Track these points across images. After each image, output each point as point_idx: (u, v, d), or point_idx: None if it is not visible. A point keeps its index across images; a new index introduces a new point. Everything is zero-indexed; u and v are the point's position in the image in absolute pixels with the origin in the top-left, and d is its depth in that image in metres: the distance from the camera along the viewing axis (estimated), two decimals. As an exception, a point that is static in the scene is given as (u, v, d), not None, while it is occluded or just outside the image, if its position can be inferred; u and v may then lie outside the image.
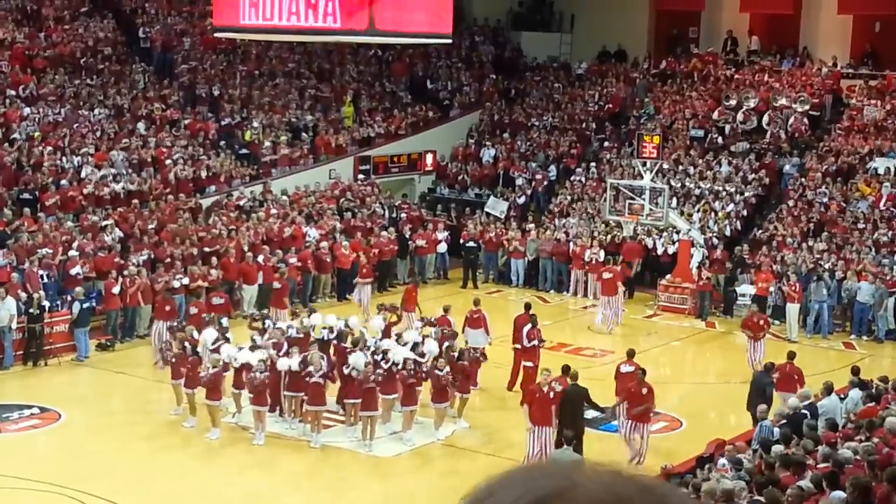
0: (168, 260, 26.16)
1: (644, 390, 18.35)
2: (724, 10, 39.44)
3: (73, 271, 25.00)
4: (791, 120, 34.72)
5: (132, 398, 21.79)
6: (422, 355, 19.57)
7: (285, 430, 19.61)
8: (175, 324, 22.06)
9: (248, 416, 19.63)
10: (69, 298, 24.14)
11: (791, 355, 20.25)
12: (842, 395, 17.47)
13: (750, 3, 37.96)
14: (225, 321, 22.16)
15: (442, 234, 32.13)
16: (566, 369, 18.77)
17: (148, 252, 26.57)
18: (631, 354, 19.79)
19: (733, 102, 35.82)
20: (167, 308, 23.72)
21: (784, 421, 15.95)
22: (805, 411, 16.32)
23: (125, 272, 24.99)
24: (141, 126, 31.61)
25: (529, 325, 21.59)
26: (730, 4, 38.84)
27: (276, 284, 26.23)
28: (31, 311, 23.13)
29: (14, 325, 22.81)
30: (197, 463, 18.62)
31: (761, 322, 23.70)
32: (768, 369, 19.90)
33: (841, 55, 37.24)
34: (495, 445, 19.46)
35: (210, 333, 20.44)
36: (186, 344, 20.24)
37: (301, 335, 20.97)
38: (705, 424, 19.69)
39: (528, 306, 23.02)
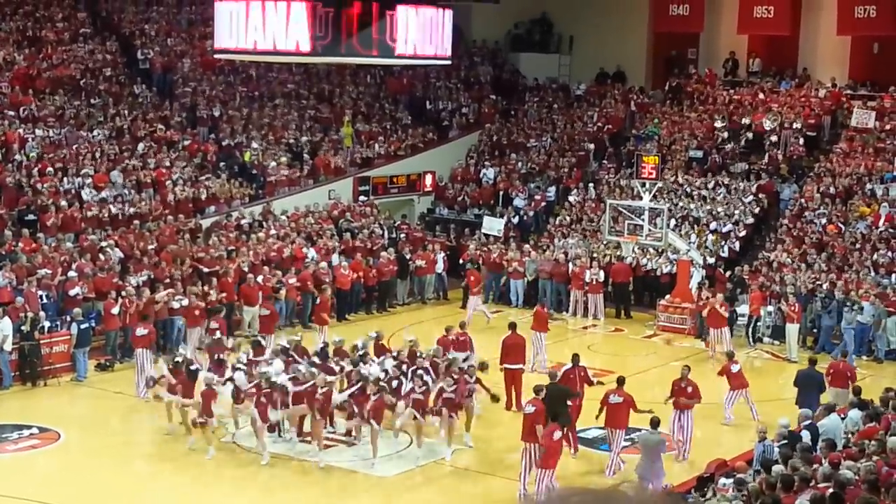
0: (167, 280, 26.16)
1: (689, 388, 19.55)
2: (723, 31, 39.58)
3: (72, 292, 25.01)
4: (789, 141, 34.81)
5: (131, 418, 21.76)
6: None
7: (287, 450, 19.57)
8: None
9: (245, 437, 19.60)
10: (68, 319, 24.12)
11: (845, 353, 23.16)
12: (842, 416, 17.45)
13: (747, 25, 38.09)
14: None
15: (439, 255, 32.22)
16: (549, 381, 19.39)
17: (147, 273, 26.57)
18: (621, 382, 19.36)
19: (731, 123, 35.89)
20: (146, 332, 23.16)
21: (785, 441, 15.93)
22: (805, 431, 16.30)
23: (124, 293, 24.96)
24: (141, 147, 31.67)
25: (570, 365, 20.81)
26: (728, 26, 38.97)
27: (265, 311, 26.12)
28: (22, 328, 23.08)
29: (7, 347, 22.76)
30: (197, 483, 18.57)
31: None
32: (813, 363, 21.74)
33: (840, 76, 37.36)
34: (495, 466, 19.42)
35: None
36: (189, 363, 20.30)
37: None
38: (706, 444, 19.64)
39: (513, 325, 23.09)
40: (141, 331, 23.03)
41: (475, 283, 29.78)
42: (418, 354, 21.00)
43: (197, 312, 25.10)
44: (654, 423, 17.76)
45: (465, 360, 21.21)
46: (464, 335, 22.81)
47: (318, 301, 27.11)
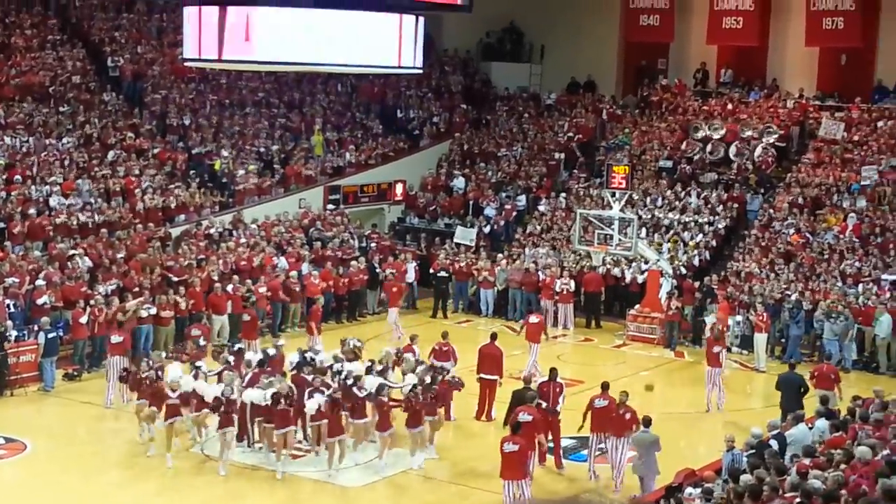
0: (136, 289, 26.04)
1: (627, 415, 18.49)
2: (693, 42, 39.79)
3: (39, 301, 24.83)
4: (758, 151, 35.02)
5: (98, 428, 21.62)
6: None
7: (259, 461, 19.50)
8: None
9: (213, 445, 19.53)
10: (36, 328, 23.94)
11: (829, 356, 25.04)
12: (810, 425, 17.54)
13: (716, 36, 38.30)
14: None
15: (411, 264, 32.19)
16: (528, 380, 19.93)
17: (116, 281, 26.44)
18: (605, 387, 19.46)
19: (701, 133, 36.10)
20: (120, 340, 23.05)
21: (752, 450, 15.99)
22: (773, 440, 16.38)
23: (92, 301, 24.82)
24: (111, 155, 31.52)
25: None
26: (697, 37, 39.18)
27: (246, 316, 26.15)
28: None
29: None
30: (164, 493, 18.47)
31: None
32: (792, 367, 22.61)
33: (808, 87, 37.64)
34: (465, 476, 19.40)
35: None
36: (152, 368, 20.24)
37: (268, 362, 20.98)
38: (674, 454, 19.68)
39: (493, 336, 23.05)
40: (116, 338, 22.93)
41: (395, 297, 29.26)
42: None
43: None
44: (647, 421, 18.16)
45: (444, 370, 21.08)
46: (446, 345, 22.71)
47: (310, 310, 26.92)
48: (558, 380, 20.13)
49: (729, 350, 28.21)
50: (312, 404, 18.99)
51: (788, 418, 17.68)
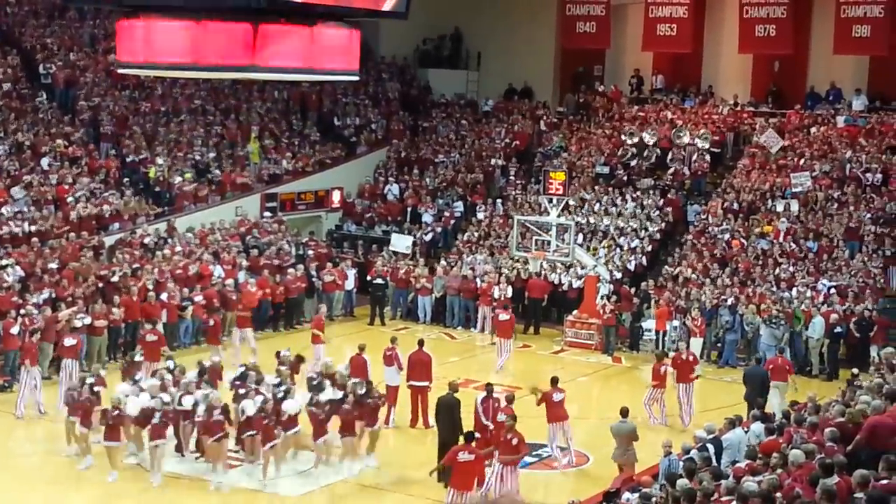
0: (69, 299, 25.67)
1: (515, 440, 17.59)
2: (628, 48, 40.07)
3: (-31, 311, 24.43)
4: (693, 157, 35.31)
5: (31, 440, 21.30)
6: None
7: (194, 471, 19.29)
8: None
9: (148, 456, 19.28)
10: (-35, 339, 23.55)
11: (782, 350, 25.88)
12: (746, 429, 17.64)
13: (651, 42, 38.57)
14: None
15: (351, 271, 32.07)
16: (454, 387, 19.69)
17: (49, 291, 26.04)
18: (555, 382, 20.08)
19: (637, 140, 36.33)
20: (73, 343, 23.24)
21: (688, 455, 16.05)
22: (709, 445, 16.45)
23: (24, 311, 24.42)
24: (44, 163, 31.08)
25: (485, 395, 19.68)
26: (633, 43, 39.44)
27: (211, 322, 26.08)
28: None
29: None
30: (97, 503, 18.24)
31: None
32: (758, 361, 24.03)
33: (742, 93, 38.02)
34: (403, 484, 19.32)
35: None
36: (91, 384, 19.94)
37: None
38: (612, 460, 19.72)
39: (421, 342, 22.98)
40: (69, 341, 23.07)
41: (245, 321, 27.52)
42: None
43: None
44: (624, 412, 18.74)
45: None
46: (392, 350, 22.50)
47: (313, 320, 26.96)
48: (495, 395, 19.71)
49: (666, 355, 28.37)
50: (246, 407, 18.85)
51: (724, 422, 17.77)
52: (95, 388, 19.93)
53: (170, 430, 19.29)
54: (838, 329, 27.20)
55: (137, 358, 22.62)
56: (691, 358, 23.65)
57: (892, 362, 20.75)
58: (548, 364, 27.74)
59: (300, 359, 22.10)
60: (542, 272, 31.15)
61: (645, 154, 35.86)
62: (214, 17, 10.17)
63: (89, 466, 19.25)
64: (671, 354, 24.06)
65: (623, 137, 36.50)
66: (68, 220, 29.49)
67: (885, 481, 11.89)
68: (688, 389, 23.02)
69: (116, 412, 18.84)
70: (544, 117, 39.53)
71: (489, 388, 19.82)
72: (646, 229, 33.04)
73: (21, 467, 19.71)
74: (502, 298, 30.16)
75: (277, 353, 21.89)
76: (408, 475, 19.60)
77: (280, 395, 19.46)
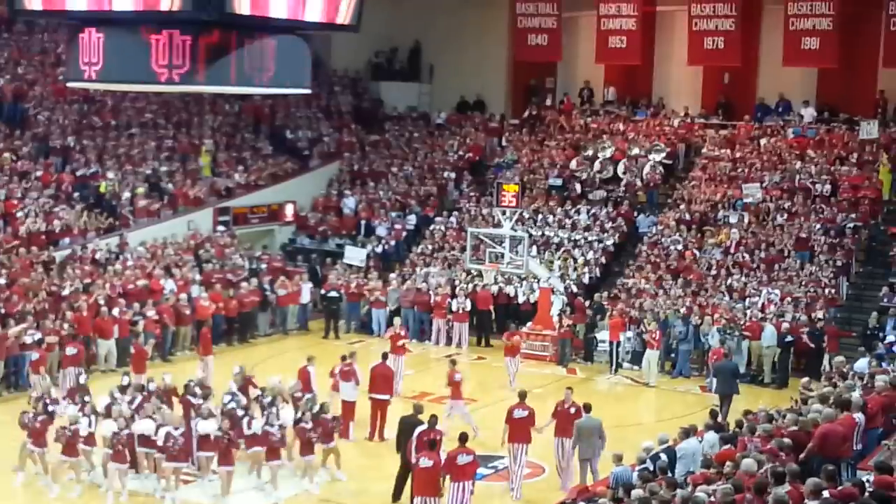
0: (19, 315, 25.37)
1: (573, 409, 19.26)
2: (580, 61, 40.24)
3: (-83, 328, 24.10)
4: (646, 169, 35.52)
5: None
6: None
7: (140, 487, 19.09)
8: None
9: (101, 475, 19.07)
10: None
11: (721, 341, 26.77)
12: (700, 438, 17.72)
13: (603, 55, 38.74)
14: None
15: (306, 285, 31.96)
16: (419, 408, 19.13)
17: (-2, 307, 25.75)
18: (523, 397, 19.48)
19: (590, 152, 36.50)
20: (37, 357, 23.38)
21: (643, 465, 16.10)
22: (662, 455, 16.49)
23: (-27, 328, 24.15)
24: (-8, 177, 30.77)
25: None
26: (585, 56, 39.62)
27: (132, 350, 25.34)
28: None
29: None
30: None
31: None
32: (726, 356, 25.28)
33: (693, 105, 38.31)
34: (362, 496, 19.24)
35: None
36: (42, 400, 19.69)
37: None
38: (568, 471, 19.74)
39: (384, 355, 22.97)
40: (33, 355, 23.34)
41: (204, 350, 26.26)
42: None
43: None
44: (587, 407, 19.08)
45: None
46: (349, 365, 22.36)
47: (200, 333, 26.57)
48: (438, 427, 18.29)
49: (620, 366, 28.54)
50: (204, 428, 18.72)
51: (679, 431, 17.84)
52: (50, 408, 19.66)
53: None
54: (789, 338, 27.43)
55: (82, 380, 22.22)
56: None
57: (844, 371, 21.00)
58: (503, 376, 27.67)
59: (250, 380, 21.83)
60: (497, 285, 31.17)
61: (598, 167, 36.00)
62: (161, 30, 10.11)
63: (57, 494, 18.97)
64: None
65: (584, 152, 36.57)
66: (17, 234, 29.17)
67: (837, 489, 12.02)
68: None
69: (71, 433, 18.69)
70: (503, 131, 39.64)
71: (432, 420, 18.18)
72: (599, 241, 33.18)
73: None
74: (461, 312, 30.25)
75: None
76: (364, 487, 19.52)
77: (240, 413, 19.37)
